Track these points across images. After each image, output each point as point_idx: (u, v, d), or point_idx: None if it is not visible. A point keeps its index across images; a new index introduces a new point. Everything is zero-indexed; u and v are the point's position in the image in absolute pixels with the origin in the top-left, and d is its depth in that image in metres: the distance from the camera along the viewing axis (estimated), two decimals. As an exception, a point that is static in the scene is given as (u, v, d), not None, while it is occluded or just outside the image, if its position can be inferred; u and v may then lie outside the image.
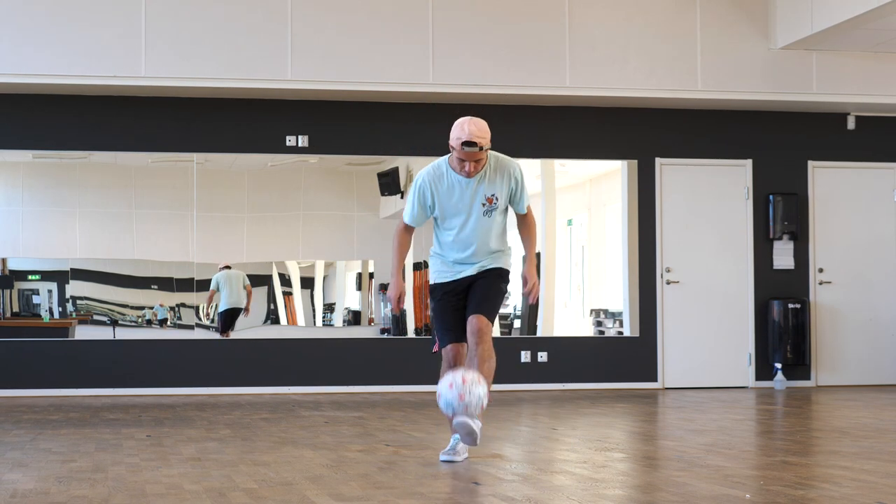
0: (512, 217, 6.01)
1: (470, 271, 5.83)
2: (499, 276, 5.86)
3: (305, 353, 10.74)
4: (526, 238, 6.01)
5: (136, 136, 10.57)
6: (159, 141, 10.63)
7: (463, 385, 5.44)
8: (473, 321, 5.72)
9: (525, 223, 5.99)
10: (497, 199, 5.78)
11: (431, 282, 5.94)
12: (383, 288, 11.13)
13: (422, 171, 5.87)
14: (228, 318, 10.86)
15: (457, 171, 5.76)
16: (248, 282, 10.92)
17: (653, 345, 11.15)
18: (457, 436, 5.66)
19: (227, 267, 10.84)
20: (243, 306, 10.90)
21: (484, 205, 5.77)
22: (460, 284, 5.84)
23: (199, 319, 10.83)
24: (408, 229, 5.89)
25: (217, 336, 10.83)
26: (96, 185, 10.79)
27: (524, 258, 6.04)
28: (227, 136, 10.70)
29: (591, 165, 11.49)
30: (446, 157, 5.86)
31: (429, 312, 5.96)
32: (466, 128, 5.65)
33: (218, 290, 10.81)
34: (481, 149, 5.66)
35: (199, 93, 10.42)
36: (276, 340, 10.81)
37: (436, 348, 5.92)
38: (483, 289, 5.80)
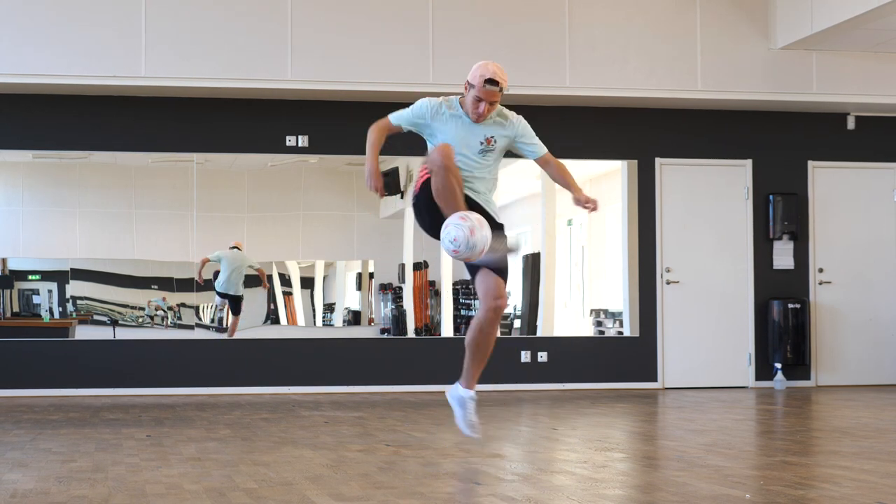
0: (510, 172, 5.98)
1: (475, 196, 5.74)
2: (505, 239, 5.73)
3: (305, 353, 10.74)
4: (562, 178, 5.92)
5: (136, 136, 10.57)
6: (159, 141, 10.63)
7: (472, 229, 5.33)
8: (500, 283, 5.66)
9: (551, 165, 5.94)
10: (495, 141, 5.80)
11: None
12: (383, 288, 11.14)
13: (427, 99, 5.91)
14: (224, 299, 10.83)
15: (467, 112, 5.76)
16: (255, 264, 10.87)
17: (653, 345, 11.16)
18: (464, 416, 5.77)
19: (236, 247, 10.81)
20: (240, 294, 10.85)
21: (482, 143, 5.78)
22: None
23: (200, 320, 10.83)
24: (387, 128, 5.99)
25: (217, 336, 10.83)
26: (96, 185, 10.79)
27: (572, 196, 5.93)
28: (227, 136, 10.70)
29: (591, 165, 11.49)
30: (452, 97, 5.87)
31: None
32: (491, 67, 5.69)
33: (218, 263, 10.76)
34: (501, 90, 5.68)
35: (199, 93, 10.42)
36: (276, 340, 10.82)
37: (424, 173, 5.71)
38: (501, 246, 5.65)
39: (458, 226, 5.38)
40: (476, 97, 5.69)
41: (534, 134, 5.92)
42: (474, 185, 5.80)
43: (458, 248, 5.37)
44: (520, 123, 5.87)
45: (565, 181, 5.96)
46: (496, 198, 5.98)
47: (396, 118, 5.98)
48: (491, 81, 5.64)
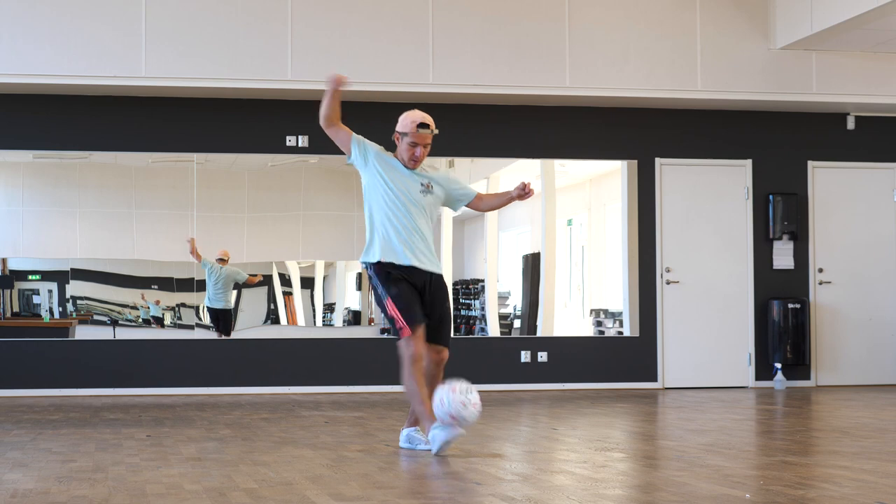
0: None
1: (425, 260, 6.03)
2: (447, 296, 6.14)
3: (305, 353, 10.74)
4: (492, 197, 6.35)
5: (136, 136, 10.57)
6: (159, 141, 10.63)
7: (457, 397, 5.72)
8: (443, 353, 6.10)
9: (483, 198, 6.31)
10: (432, 185, 6.11)
11: (380, 259, 6.03)
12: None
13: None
14: (213, 319, 10.81)
15: (403, 161, 6.06)
16: (243, 277, 10.86)
17: (653, 345, 11.16)
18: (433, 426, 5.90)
19: (222, 259, 10.78)
20: (229, 308, 10.85)
21: (422, 187, 6.08)
22: (415, 275, 6.02)
23: (200, 320, 10.83)
24: (342, 128, 6.21)
25: (217, 336, 10.83)
26: (96, 185, 10.79)
27: (499, 198, 6.33)
28: (227, 136, 10.70)
29: (591, 165, 11.49)
30: (382, 148, 6.19)
31: (381, 294, 6.02)
32: (418, 114, 6.04)
33: (207, 272, 10.75)
34: (432, 132, 6.00)
35: (199, 93, 10.42)
36: (276, 340, 10.82)
37: (406, 332, 5.93)
38: (445, 315, 6.09)
39: (441, 408, 5.75)
40: (411, 143, 6.00)
41: (457, 180, 6.31)
42: (427, 227, 6.09)
43: (456, 419, 5.73)
44: (446, 172, 6.42)
45: (496, 199, 6.35)
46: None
47: (353, 141, 6.20)
48: (423, 125, 5.99)
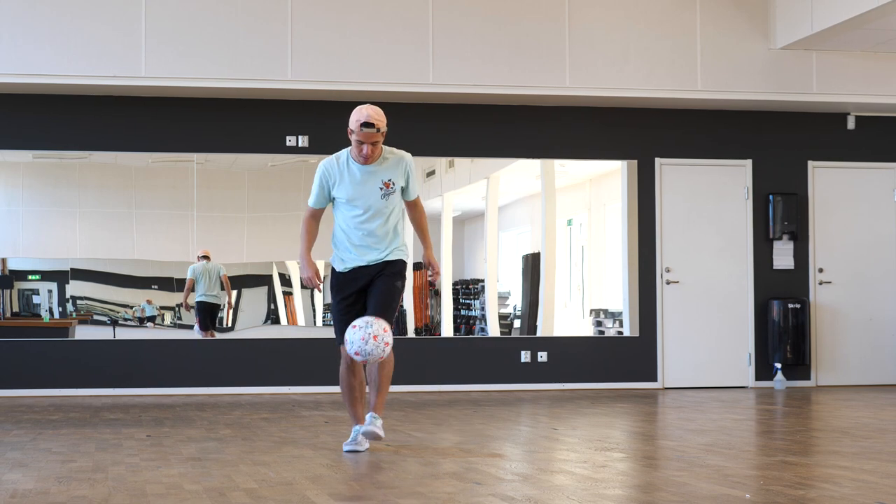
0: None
1: (372, 256, 6.15)
2: (397, 274, 6.22)
3: (305, 353, 10.74)
4: (418, 224, 6.42)
5: (136, 136, 10.57)
6: (159, 141, 10.63)
7: (357, 332, 5.80)
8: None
9: (416, 209, 6.39)
10: (393, 183, 6.15)
11: (334, 268, 6.24)
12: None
13: (322, 162, 6.19)
14: (204, 313, 10.82)
15: (355, 158, 6.09)
16: (223, 271, 10.86)
17: (653, 345, 11.16)
18: (358, 427, 6.09)
19: (205, 257, 10.80)
20: (220, 302, 10.85)
21: (381, 188, 6.12)
22: (361, 275, 6.15)
23: (178, 316, 10.80)
24: (314, 215, 6.25)
25: (217, 336, 10.82)
26: (96, 185, 10.79)
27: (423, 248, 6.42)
28: (227, 136, 10.70)
29: (591, 165, 11.49)
30: (347, 149, 6.19)
31: (328, 305, 6.27)
32: (364, 111, 6.02)
33: (195, 281, 10.77)
34: (378, 130, 6.00)
35: (199, 93, 10.42)
36: (276, 340, 10.82)
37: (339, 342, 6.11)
38: (382, 292, 6.15)
39: (354, 336, 5.83)
40: (357, 141, 6.03)
41: (416, 177, 6.33)
42: (387, 228, 6.18)
43: (361, 354, 5.82)
44: (408, 161, 6.24)
45: (421, 230, 6.44)
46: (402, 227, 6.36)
47: (312, 200, 6.23)
48: (366, 124, 5.97)
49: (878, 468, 5.37)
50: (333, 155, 6.21)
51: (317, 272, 6.18)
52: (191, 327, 10.82)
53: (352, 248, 6.18)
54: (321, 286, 6.31)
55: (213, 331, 10.83)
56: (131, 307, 10.79)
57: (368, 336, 5.76)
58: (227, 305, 10.89)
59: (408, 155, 6.27)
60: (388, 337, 5.80)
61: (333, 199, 6.19)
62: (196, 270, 10.77)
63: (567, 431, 7.31)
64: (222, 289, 10.86)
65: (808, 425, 7.85)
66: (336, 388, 10.60)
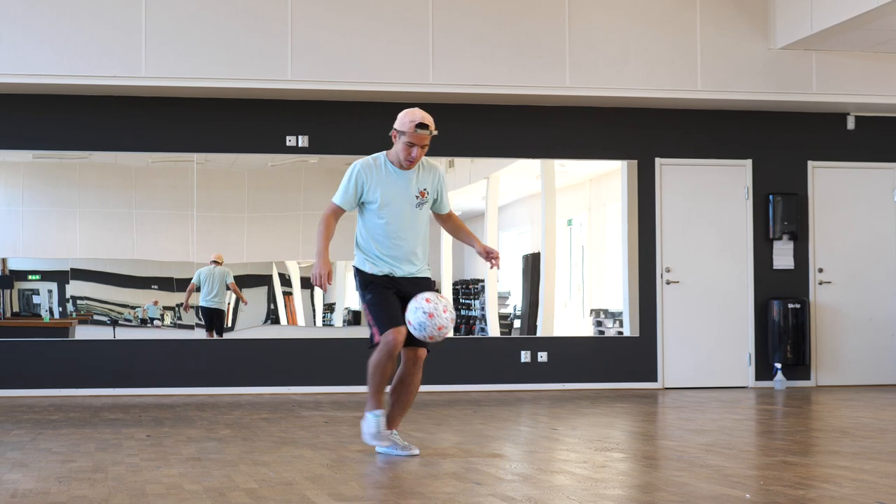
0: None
1: (401, 272, 5.97)
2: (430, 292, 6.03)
3: (305, 353, 10.74)
4: (459, 227, 6.30)
5: (136, 136, 10.57)
6: (159, 141, 10.63)
7: (434, 314, 5.71)
8: (420, 352, 5.99)
9: (452, 219, 6.27)
10: (428, 193, 6.02)
11: (362, 269, 5.99)
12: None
13: (356, 163, 5.99)
14: (206, 318, 10.83)
15: (397, 162, 5.94)
16: (231, 279, 10.86)
17: (653, 345, 11.16)
18: (379, 413, 6.01)
19: (216, 262, 10.80)
20: (222, 308, 10.85)
21: (417, 197, 5.98)
22: (392, 283, 5.97)
23: (199, 320, 10.82)
24: (336, 214, 5.98)
25: (217, 336, 10.83)
26: (96, 185, 10.79)
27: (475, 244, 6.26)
28: (227, 136, 10.70)
29: (591, 165, 11.49)
30: (384, 152, 6.04)
31: (364, 302, 6.01)
32: (418, 113, 5.90)
33: (198, 286, 10.78)
34: (430, 133, 5.88)
35: (199, 93, 10.42)
36: (276, 340, 10.81)
37: (377, 339, 5.93)
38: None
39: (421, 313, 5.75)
40: (408, 143, 5.87)
41: (446, 190, 6.19)
42: (418, 240, 6.00)
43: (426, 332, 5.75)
44: (441, 173, 6.13)
45: (464, 230, 6.32)
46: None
47: (341, 199, 5.98)
48: (421, 125, 5.84)
49: (878, 468, 5.37)
50: (369, 156, 6.02)
51: (330, 272, 5.94)
52: (191, 327, 10.81)
53: (383, 257, 5.96)
54: (328, 288, 6.20)
55: (213, 332, 10.84)
56: (135, 308, 10.78)
57: (438, 309, 5.66)
58: (241, 300, 10.88)
59: (440, 166, 6.15)
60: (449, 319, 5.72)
61: (362, 202, 5.97)
62: (201, 275, 10.77)
63: (567, 431, 7.31)
64: (229, 290, 10.86)
65: (808, 425, 7.84)
66: (336, 388, 10.63)
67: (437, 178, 6.07)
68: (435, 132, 5.92)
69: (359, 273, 6.03)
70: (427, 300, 5.72)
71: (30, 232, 10.68)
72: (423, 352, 5.99)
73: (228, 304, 10.91)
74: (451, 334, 5.73)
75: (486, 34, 10.42)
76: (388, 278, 5.96)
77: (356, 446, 6.34)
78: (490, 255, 6.11)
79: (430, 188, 6.02)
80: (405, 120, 5.87)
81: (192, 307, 10.78)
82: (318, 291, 10.99)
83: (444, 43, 10.34)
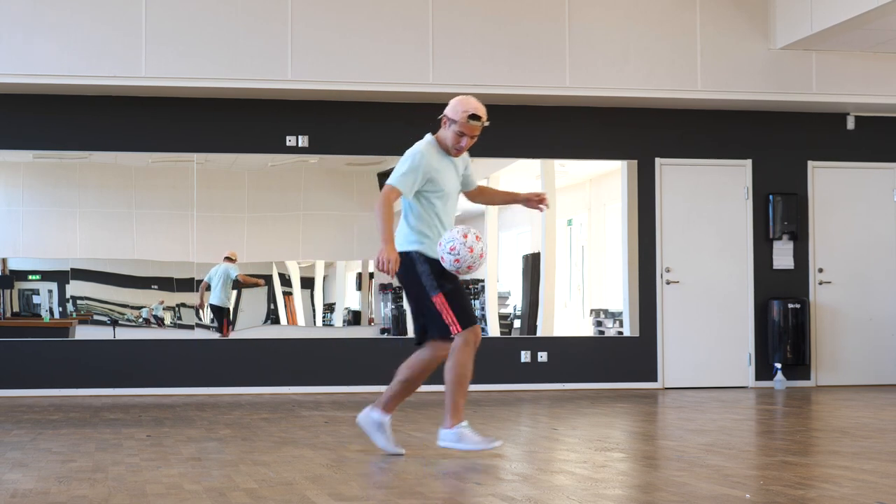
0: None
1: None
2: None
3: (305, 353, 10.74)
4: (494, 193, 6.32)
5: (136, 136, 10.57)
6: (159, 141, 10.63)
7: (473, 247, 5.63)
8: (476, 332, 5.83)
9: (483, 191, 6.25)
10: (461, 171, 6.01)
11: (428, 255, 5.77)
12: (383, 288, 11.14)
13: (418, 145, 5.85)
14: (216, 316, 10.84)
15: (445, 147, 5.86)
16: (234, 274, 10.86)
17: (653, 345, 11.16)
18: (466, 423, 5.80)
19: (228, 258, 10.83)
20: (224, 306, 10.86)
21: (457, 174, 5.96)
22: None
23: (199, 319, 10.83)
24: (393, 201, 5.76)
25: (217, 336, 10.84)
26: (96, 185, 10.79)
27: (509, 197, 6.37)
28: (227, 136, 10.70)
29: (591, 165, 11.49)
30: (430, 137, 5.92)
31: (440, 291, 5.73)
32: (472, 102, 5.81)
33: (209, 284, 10.81)
34: (483, 124, 5.82)
35: (199, 93, 10.42)
36: (276, 340, 10.82)
37: (456, 329, 5.73)
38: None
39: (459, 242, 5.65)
40: (458, 132, 5.78)
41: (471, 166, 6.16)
42: (450, 225, 5.94)
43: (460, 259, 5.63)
44: (468, 159, 6.08)
45: (499, 196, 6.33)
46: None
47: (408, 186, 5.73)
48: (474, 116, 5.77)
49: (878, 468, 5.37)
50: (424, 142, 5.86)
51: (398, 259, 5.68)
52: (191, 327, 10.82)
53: (436, 241, 5.79)
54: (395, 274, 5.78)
55: (229, 330, 10.85)
56: (141, 308, 10.78)
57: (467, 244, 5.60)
58: (256, 284, 10.92)
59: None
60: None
61: (419, 189, 5.78)
62: (211, 274, 10.79)
63: (567, 431, 7.31)
64: (238, 287, 10.88)
65: (808, 425, 7.84)
66: (336, 388, 10.63)
67: (466, 159, 6.03)
68: (486, 123, 5.84)
69: (426, 261, 5.76)
70: (465, 235, 5.63)
71: (30, 232, 10.69)
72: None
73: (233, 299, 10.92)
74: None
75: (486, 34, 10.42)
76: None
77: (356, 446, 6.34)
78: (540, 201, 6.11)
79: (464, 171, 6.02)
80: (458, 109, 5.77)
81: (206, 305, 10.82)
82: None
83: (444, 43, 10.34)
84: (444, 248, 5.67)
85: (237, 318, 10.95)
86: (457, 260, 5.63)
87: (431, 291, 5.75)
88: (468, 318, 5.76)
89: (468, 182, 6.10)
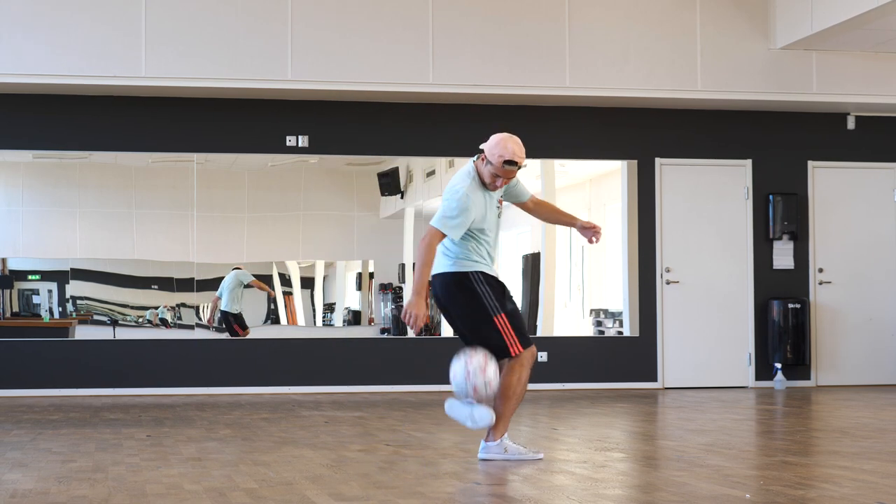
0: None
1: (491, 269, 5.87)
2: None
3: (305, 353, 10.74)
4: (551, 208, 6.40)
5: (136, 136, 10.57)
6: (159, 141, 10.63)
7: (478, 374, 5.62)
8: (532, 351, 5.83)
9: (540, 204, 6.28)
10: (503, 202, 5.98)
11: (486, 272, 5.74)
12: (383, 288, 11.14)
13: (459, 183, 5.72)
14: (226, 324, 10.86)
15: (483, 182, 5.75)
16: (247, 281, 10.90)
17: (653, 345, 11.15)
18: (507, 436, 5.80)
19: (238, 268, 10.88)
20: (232, 311, 10.88)
21: (497, 207, 5.89)
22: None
23: (200, 320, 10.84)
24: (437, 242, 5.66)
25: (217, 336, 10.84)
26: (96, 185, 10.79)
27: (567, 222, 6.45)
28: (227, 136, 10.70)
29: (591, 165, 11.49)
30: (470, 167, 5.80)
31: (501, 312, 5.69)
32: (509, 147, 5.68)
33: (220, 296, 10.88)
34: (519, 168, 5.74)
35: (199, 93, 10.42)
36: (276, 340, 10.82)
37: (517, 350, 5.70)
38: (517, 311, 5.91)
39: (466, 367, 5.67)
40: (494, 174, 5.70)
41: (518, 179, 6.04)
42: (492, 252, 5.87)
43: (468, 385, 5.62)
44: (516, 179, 6.00)
45: (554, 209, 6.41)
46: None
47: (456, 230, 5.63)
48: (510, 162, 5.67)
49: (878, 468, 5.37)
50: (465, 175, 5.74)
51: (427, 317, 5.64)
52: (191, 327, 10.82)
53: (481, 261, 5.75)
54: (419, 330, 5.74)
55: (246, 332, 10.88)
56: (146, 310, 10.79)
57: (476, 369, 5.59)
58: (266, 292, 10.95)
59: None
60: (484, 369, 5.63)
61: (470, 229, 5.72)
62: (222, 286, 10.83)
63: (567, 431, 7.31)
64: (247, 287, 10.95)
65: (808, 425, 7.85)
66: (336, 388, 10.64)
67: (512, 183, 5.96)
68: (524, 165, 5.75)
69: (487, 281, 5.73)
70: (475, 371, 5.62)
71: (30, 232, 10.69)
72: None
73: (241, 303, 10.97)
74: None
75: (486, 34, 10.42)
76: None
77: (356, 446, 6.34)
78: (594, 231, 6.22)
79: (505, 196, 5.99)
80: (495, 152, 5.66)
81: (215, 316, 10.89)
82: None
83: (444, 43, 10.34)
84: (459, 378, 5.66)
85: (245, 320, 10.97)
86: (475, 388, 5.60)
87: (494, 312, 5.71)
88: (526, 340, 5.76)
89: (517, 194, 6.05)
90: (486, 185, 5.76)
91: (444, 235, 5.64)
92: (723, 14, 10.80)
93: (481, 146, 5.78)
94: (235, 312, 10.89)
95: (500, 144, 5.68)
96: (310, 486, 4.84)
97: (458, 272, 5.72)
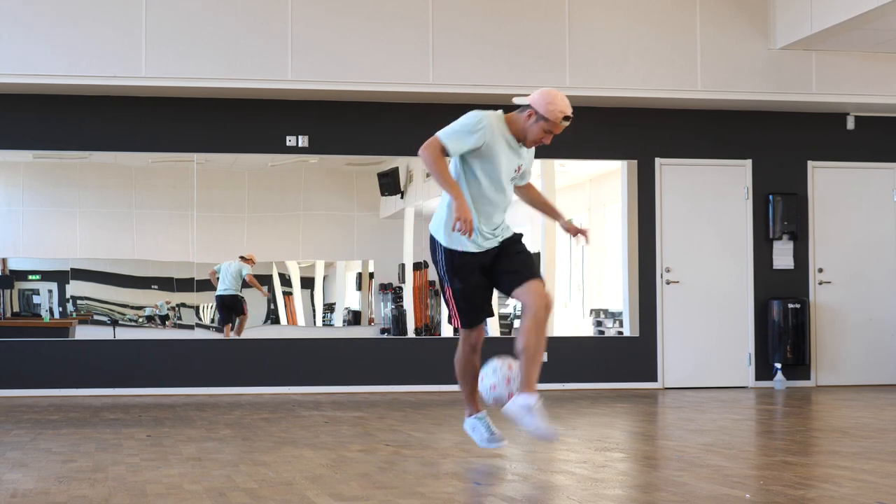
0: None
1: (491, 244, 5.60)
2: (520, 242, 5.68)
3: (305, 353, 10.74)
4: (539, 198, 5.95)
5: (136, 136, 10.58)
6: (159, 141, 10.63)
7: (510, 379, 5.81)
8: (535, 285, 5.51)
9: (531, 188, 5.94)
10: (522, 170, 5.68)
11: (455, 248, 5.53)
12: (383, 288, 11.13)
13: (482, 113, 5.48)
14: (222, 308, 10.85)
15: (518, 134, 5.51)
16: (247, 272, 10.89)
17: (653, 345, 11.16)
18: (481, 415, 5.91)
19: (243, 258, 10.87)
20: (236, 293, 10.87)
21: (515, 171, 5.62)
22: (486, 257, 5.60)
23: (200, 320, 10.84)
24: (439, 153, 5.34)
25: (217, 336, 10.84)
26: (96, 185, 10.80)
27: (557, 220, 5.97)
28: (227, 136, 10.70)
29: (591, 165, 11.49)
30: (501, 113, 5.58)
31: (449, 286, 5.59)
32: (566, 101, 5.48)
33: (218, 276, 10.87)
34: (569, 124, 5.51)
35: (199, 93, 10.42)
36: (276, 340, 10.82)
37: (456, 324, 5.74)
38: (521, 254, 5.61)
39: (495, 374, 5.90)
40: (547, 130, 5.46)
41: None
42: (503, 213, 5.65)
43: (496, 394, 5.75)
44: (532, 155, 5.79)
45: (546, 201, 6.01)
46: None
47: (453, 145, 5.36)
48: (568, 118, 5.48)
49: (878, 468, 5.37)
50: (492, 113, 5.50)
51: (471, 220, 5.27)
52: (191, 327, 10.82)
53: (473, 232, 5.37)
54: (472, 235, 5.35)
55: (228, 326, 10.86)
56: (145, 307, 10.79)
57: (502, 380, 5.72)
58: (262, 293, 10.95)
59: None
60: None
61: (464, 158, 5.44)
62: (221, 266, 10.82)
63: (567, 431, 7.30)
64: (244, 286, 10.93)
65: (808, 425, 7.85)
66: (336, 388, 10.63)
67: (532, 154, 5.71)
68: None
69: (445, 250, 5.55)
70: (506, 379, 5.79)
71: (30, 232, 10.69)
72: (539, 283, 5.51)
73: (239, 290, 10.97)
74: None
75: (486, 34, 10.42)
76: (475, 255, 5.55)
77: (356, 446, 6.34)
78: (580, 233, 5.81)
79: (526, 165, 5.66)
80: (550, 107, 5.40)
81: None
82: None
83: (444, 43, 10.34)
84: (486, 385, 5.83)
85: (241, 321, 10.95)
86: (496, 400, 5.72)
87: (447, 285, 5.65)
88: (467, 317, 5.81)
89: (525, 176, 5.78)
90: (518, 139, 5.50)
91: (443, 147, 5.34)
92: (723, 14, 10.80)
93: (519, 100, 5.51)
94: (234, 295, 10.88)
95: (556, 100, 5.43)
96: (310, 486, 4.84)
97: (446, 248, 5.57)
